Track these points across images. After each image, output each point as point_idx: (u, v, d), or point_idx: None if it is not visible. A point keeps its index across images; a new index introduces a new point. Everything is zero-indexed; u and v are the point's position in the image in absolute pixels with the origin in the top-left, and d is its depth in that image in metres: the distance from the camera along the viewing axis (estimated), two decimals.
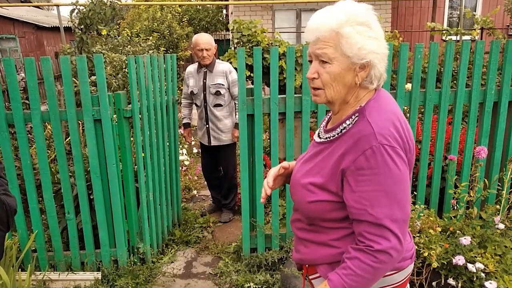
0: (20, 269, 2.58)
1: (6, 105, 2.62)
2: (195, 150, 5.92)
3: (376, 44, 1.05)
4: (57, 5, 7.43)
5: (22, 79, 6.53)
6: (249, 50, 6.03)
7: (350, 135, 1.07)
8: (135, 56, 2.61)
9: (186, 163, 5.28)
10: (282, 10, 8.98)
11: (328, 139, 1.15)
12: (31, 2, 15.61)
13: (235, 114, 3.54)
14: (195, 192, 4.63)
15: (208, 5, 13.41)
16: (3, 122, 2.49)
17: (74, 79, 4.24)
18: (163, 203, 3.26)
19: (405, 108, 2.96)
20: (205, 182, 4.16)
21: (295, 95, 2.54)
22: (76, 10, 4.78)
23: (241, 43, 6.20)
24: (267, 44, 6.13)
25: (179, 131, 5.06)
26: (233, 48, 6.32)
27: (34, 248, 2.76)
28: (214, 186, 3.95)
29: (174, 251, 3.25)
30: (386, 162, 1.00)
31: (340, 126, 1.12)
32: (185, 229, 3.62)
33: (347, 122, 1.10)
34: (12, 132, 3.02)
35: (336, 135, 1.12)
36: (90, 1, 4.58)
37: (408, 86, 2.99)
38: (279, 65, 5.30)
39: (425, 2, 9.66)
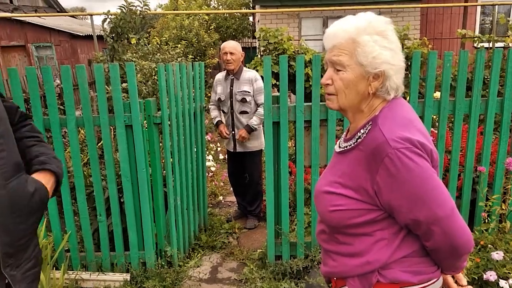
0: (54, 268, 2.69)
1: (43, 111, 2.77)
2: (221, 156, 5.99)
3: (392, 55, 1.06)
4: (91, 15, 7.73)
5: (57, 86, 6.81)
6: (275, 58, 6.08)
7: (364, 145, 1.08)
8: (164, 64, 2.69)
9: (213, 169, 5.35)
10: (308, 17, 9.00)
11: (345, 148, 1.17)
12: (66, 12, 16.30)
13: (253, 118, 3.55)
14: (221, 198, 4.69)
15: (235, 13, 13.59)
16: (41, 126, 2.62)
17: (107, 86, 4.40)
18: (190, 208, 3.33)
19: (434, 117, 2.91)
20: (231, 188, 4.21)
21: (321, 103, 2.55)
22: (108, 20, 4.96)
23: (268, 51, 6.25)
24: (293, 51, 6.16)
25: (206, 137, 5.14)
26: (259, 56, 6.38)
27: (67, 248, 2.87)
28: (239, 193, 3.99)
29: (200, 255, 3.30)
30: (406, 165, 1.00)
31: (356, 136, 1.13)
32: (211, 234, 3.67)
33: (361, 131, 1.12)
34: (48, 136, 3.16)
35: (353, 145, 1.13)
36: (121, 10, 4.74)
37: (437, 94, 2.94)
38: (305, 72, 5.31)
39: (456, 8, 9.45)
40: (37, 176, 1.25)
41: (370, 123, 1.10)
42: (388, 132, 1.03)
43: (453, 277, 1.26)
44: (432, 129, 3.07)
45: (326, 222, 1.21)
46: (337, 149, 1.23)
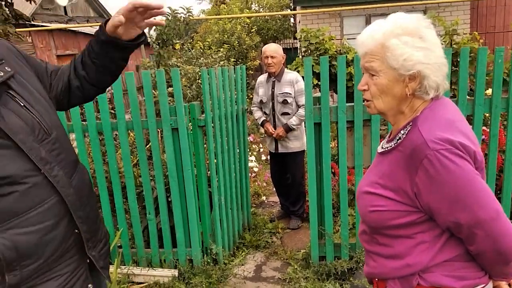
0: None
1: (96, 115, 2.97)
2: (263, 157, 6.05)
3: (426, 55, 1.04)
4: None
5: (108, 91, 7.20)
6: (316, 58, 6.04)
7: (404, 146, 1.08)
8: (207, 68, 2.78)
9: (255, 169, 5.42)
10: (350, 16, 8.85)
11: (387, 149, 1.16)
12: None
13: (293, 117, 3.55)
14: (264, 198, 4.74)
15: (276, 15, 13.64)
16: (94, 130, 2.80)
17: (154, 91, 4.60)
18: (234, 207, 3.40)
19: (486, 115, 2.78)
20: (274, 189, 4.25)
21: (364, 103, 2.52)
22: (154, 27, 5.17)
23: (309, 51, 6.23)
24: (335, 51, 6.10)
25: (249, 138, 5.22)
26: (300, 57, 6.37)
27: (119, 245, 3.04)
28: (282, 193, 4.02)
29: (244, 254, 3.37)
30: (446, 167, 0.98)
31: (396, 137, 1.13)
32: (255, 233, 3.72)
33: (402, 132, 1.11)
34: (101, 139, 3.37)
35: (393, 145, 1.13)
36: (166, 18, 4.92)
37: (489, 91, 2.81)
38: (348, 72, 5.24)
39: (510, 0, 8.89)
40: None
41: (410, 124, 1.09)
42: (427, 133, 1.02)
43: (509, 284, 1.20)
44: (484, 128, 2.94)
45: (366, 223, 1.21)
46: (379, 149, 1.24)
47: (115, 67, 1.36)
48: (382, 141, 1.26)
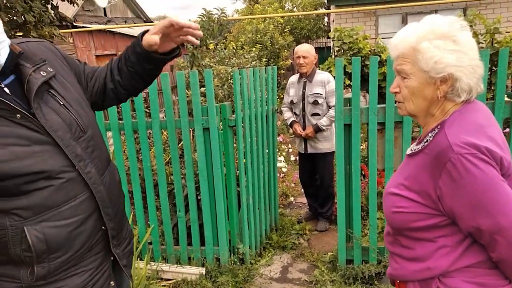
0: (138, 258, 2.95)
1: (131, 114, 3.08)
2: (292, 158, 6.03)
3: (458, 57, 1.04)
4: None
5: (143, 91, 7.40)
6: (349, 58, 5.95)
7: (430, 148, 1.08)
8: (239, 68, 2.81)
9: (284, 170, 5.42)
10: (386, 15, 8.65)
11: (415, 151, 1.17)
12: (152, 22, 17.57)
13: (323, 118, 3.52)
14: (292, 198, 4.73)
15: (310, 14, 13.54)
16: (130, 129, 2.90)
17: (186, 91, 4.69)
18: (262, 207, 3.42)
19: None
20: (302, 189, 4.23)
21: (396, 105, 2.47)
22: None
23: (342, 50, 6.15)
24: (369, 51, 5.98)
25: (278, 138, 5.22)
26: (333, 56, 6.30)
27: (149, 241, 3.13)
28: (310, 194, 4.00)
29: (271, 254, 3.38)
30: (469, 171, 0.98)
31: (424, 139, 1.14)
32: (282, 234, 3.73)
33: (429, 134, 1.12)
34: (136, 137, 3.48)
35: (421, 147, 1.13)
36: (200, 19, 5.00)
37: None
38: (382, 72, 5.13)
39: None
40: None
41: (438, 127, 1.10)
42: (452, 136, 1.02)
43: None
44: None
45: (390, 223, 1.23)
46: (408, 151, 1.24)
47: (148, 77, 1.43)
48: (413, 143, 1.26)
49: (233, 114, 2.93)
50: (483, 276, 1.08)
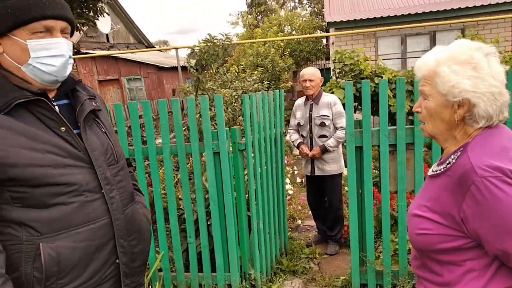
0: (150, 286, 2.90)
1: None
2: (298, 180, 6.01)
3: (475, 83, 1.05)
4: (176, 48, 8.40)
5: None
6: (351, 79, 6.02)
7: (453, 171, 1.08)
8: (243, 92, 2.84)
9: (290, 192, 5.39)
10: (385, 36, 8.81)
11: (436, 172, 1.17)
12: (154, 47, 17.86)
13: (330, 139, 3.53)
14: (299, 221, 4.68)
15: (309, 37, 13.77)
16: (140, 155, 2.90)
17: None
18: (272, 231, 3.39)
19: None
20: (309, 212, 4.19)
21: (407, 126, 2.49)
22: (193, 53, 5.35)
23: (343, 72, 6.23)
24: (370, 72, 6.06)
25: (285, 160, 5.21)
26: (334, 78, 6.36)
27: (159, 268, 3.08)
28: (319, 217, 3.97)
29: (282, 280, 3.32)
30: (494, 194, 0.97)
31: (446, 161, 1.14)
32: (292, 258, 3.67)
33: (452, 157, 1.12)
34: (146, 164, 3.47)
35: (442, 169, 1.14)
36: (205, 44, 5.08)
37: None
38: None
39: None
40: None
41: (460, 150, 1.10)
42: (475, 159, 1.03)
43: None
44: None
45: (414, 246, 1.22)
46: (430, 172, 1.24)
47: None
48: (433, 165, 1.27)
49: (243, 138, 2.94)
50: None
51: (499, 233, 0.99)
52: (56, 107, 1.21)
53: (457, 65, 1.07)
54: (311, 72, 3.55)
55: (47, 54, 1.14)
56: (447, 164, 1.13)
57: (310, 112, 3.58)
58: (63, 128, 1.16)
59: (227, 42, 5.01)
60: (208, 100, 2.71)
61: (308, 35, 12.69)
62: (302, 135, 3.73)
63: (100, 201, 1.20)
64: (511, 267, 1.04)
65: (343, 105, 2.97)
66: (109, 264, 1.23)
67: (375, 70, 6.09)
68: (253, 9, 23.04)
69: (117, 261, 1.25)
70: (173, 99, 2.74)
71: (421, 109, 1.19)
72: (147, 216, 1.44)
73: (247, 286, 3.00)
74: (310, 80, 3.52)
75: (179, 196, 3.40)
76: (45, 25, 1.13)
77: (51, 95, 1.23)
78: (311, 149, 3.63)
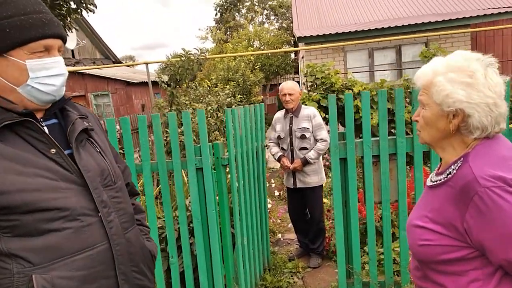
0: None
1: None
2: (276, 193, 5.99)
3: (469, 94, 1.05)
4: (146, 63, 8.27)
5: (118, 131, 7.24)
6: (323, 92, 6.13)
7: (454, 181, 1.08)
8: (218, 106, 2.80)
9: (268, 206, 5.35)
10: (353, 50, 9.07)
11: (436, 182, 1.17)
12: (121, 62, 17.54)
13: (311, 151, 3.55)
14: (279, 235, 4.65)
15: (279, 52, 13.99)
16: None
17: (168, 130, 4.62)
18: (255, 247, 3.33)
19: None
20: (289, 225, 4.17)
21: (389, 138, 2.53)
22: (167, 68, 5.28)
23: (315, 85, 6.34)
24: (341, 85, 6.20)
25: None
26: (306, 91, 6.46)
27: None
28: (301, 230, 3.95)
29: None
30: (498, 205, 0.98)
31: (446, 171, 1.14)
32: (275, 274, 3.62)
33: (452, 167, 1.12)
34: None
35: (443, 180, 1.14)
36: (179, 58, 5.03)
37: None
38: (355, 104, 5.30)
39: (508, 30, 9.14)
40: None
41: (461, 160, 1.10)
42: (478, 170, 1.03)
43: None
44: None
45: (416, 257, 1.21)
46: (428, 182, 1.24)
47: None
48: (431, 174, 1.26)
49: (226, 152, 2.90)
50: None
51: (504, 242, 0.99)
52: (45, 128, 1.14)
53: (453, 74, 1.08)
54: (290, 87, 3.57)
55: (47, 74, 1.10)
56: (448, 174, 1.12)
57: (291, 125, 3.59)
58: (53, 150, 1.10)
59: (202, 57, 4.98)
60: (190, 115, 2.65)
61: (278, 50, 12.90)
62: (282, 148, 3.72)
63: (97, 225, 1.12)
64: None
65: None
66: None
67: (346, 83, 6.23)
68: (222, 25, 23.21)
69: None
70: (154, 115, 2.66)
71: (419, 118, 1.20)
72: (149, 242, 1.37)
73: None
74: (290, 94, 3.54)
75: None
76: (45, 45, 1.09)
77: (39, 115, 1.16)
78: (292, 162, 3.63)
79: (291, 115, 3.60)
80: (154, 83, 8.49)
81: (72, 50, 13.65)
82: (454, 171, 1.10)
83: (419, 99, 1.18)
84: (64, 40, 1.16)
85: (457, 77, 1.07)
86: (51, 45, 1.11)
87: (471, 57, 1.10)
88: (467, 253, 1.07)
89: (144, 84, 13.54)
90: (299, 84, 13.63)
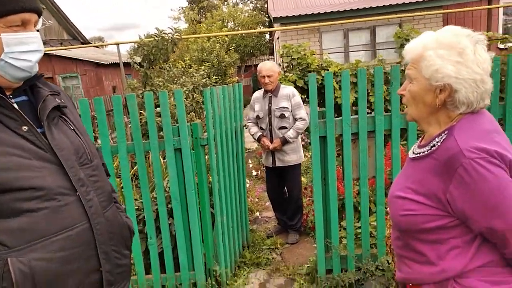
0: None
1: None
2: (254, 173, 6.02)
3: (458, 69, 1.06)
4: (117, 44, 7.99)
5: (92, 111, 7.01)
6: (299, 73, 6.14)
7: (438, 154, 1.11)
8: (194, 87, 2.76)
9: (246, 185, 5.37)
10: (329, 31, 9.08)
11: (419, 154, 1.19)
12: (90, 43, 16.89)
13: (290, 130, 3.57)
14: (257, 214, 4.69)
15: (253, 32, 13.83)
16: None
17: (142, 111, 4.52)
18: (234, 225, 3.35)
19: None
20: (267, 204, 4.22)
21: (368, 115, 2.56)
22: (140, 48, 5.12)
23: (291, 66, 6.33)
24: (317, 65, 6.22)
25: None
26: (282, 72, 6.45)
27: None
28: (279, 208, 4.00)
29: (246, 273, 3.30)
30: (482, 175, 1.01)
31: (431, 143, 1.16)
32: (254, 251, 3.67)
33: (436, 139, 1.14)
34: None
35: (426, 152, 1.16)
36: (153, 38, 4.89)
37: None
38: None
39: (477, 11, 9.36)
40: None
41: (445, 133, 1.12)
42: (463, 142, 1.05)
43: None
44: None
45: (398, 227, 1.24)
46: (410, 154, 1.26)
47: None
48: (413, 146, 1.28)
49: (204, 133, 2.86)
50: (498, 274, 1.11)
51: (487, 211, 1.03)
52: (15, 105, 1.08)
53: (443, 50, 1.08)
54: (268, 67, 3.54)
55: (24, 49, 1.05)
56: (432, 146, 1.14)
57: (270, 105, 3.58)
58: (25, 127, 1.05)
59: (177, 36, 4.86)
60: (167, 95, 2.60)
61: (253, 30, 12.74)
62: (261, 128, 3.72)
63: (75, 205, 1.08)
64: (494, 243, 1.09)
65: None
66: (91, 273, 1.12)
67: (321, 64, 6.25)
68: (195, 5, 22.66)
69: (100, 269, 1.14)
70: (129, 95, 2.59)
71: (405, 92, 1.20)
72: (127, 219, 1.34)
73: (213, 282, 2.94)
74: (269, 76, 3.52)
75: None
76: (23, 19, 1.04)
77: (8, 92, 1.09)
78: (271, 141, 3.63)
79: (270, 95, 3.59)
80: (126, 64, 8.24)
81: (38, 30, 13.02)
82: (439, 144, 1.12)
83: (407, 73, 1.17)
84: (40, 16, 1.11)
85: (448, 53, 1.08)
86: (28, 19, 1.06)
87: (461, 33, 1.10)
88: (447, 221, 1.11)
89: (114, 65, 13.13)
90: None
